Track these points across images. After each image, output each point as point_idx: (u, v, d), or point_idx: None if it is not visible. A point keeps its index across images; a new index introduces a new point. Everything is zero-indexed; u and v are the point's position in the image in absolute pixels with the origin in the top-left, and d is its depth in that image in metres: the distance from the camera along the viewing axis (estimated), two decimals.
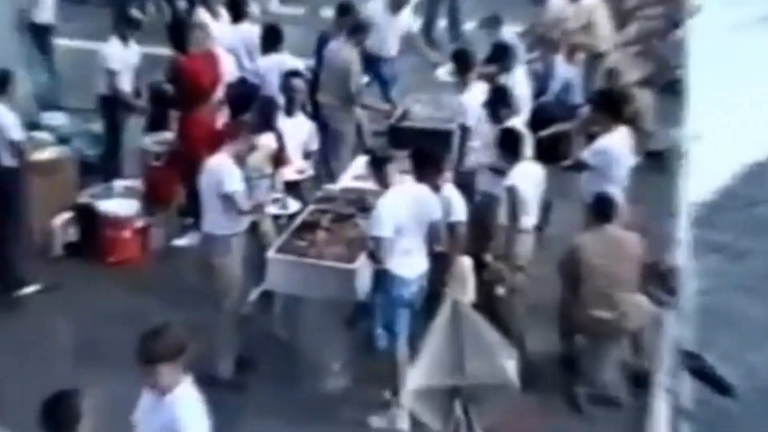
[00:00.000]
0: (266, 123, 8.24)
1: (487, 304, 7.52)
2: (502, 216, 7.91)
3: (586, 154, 8.53)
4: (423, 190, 7.21)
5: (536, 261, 8.07)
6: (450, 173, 7.73)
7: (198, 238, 8.00)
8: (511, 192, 7.85)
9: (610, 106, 8.32)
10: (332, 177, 9.51)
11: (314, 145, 9.07)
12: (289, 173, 8.58)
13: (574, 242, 7.72)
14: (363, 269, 7.61)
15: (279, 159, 8.48)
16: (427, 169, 7.32)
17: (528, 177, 7.94)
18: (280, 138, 8.46)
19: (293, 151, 8.83)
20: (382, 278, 7.15)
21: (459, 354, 6.66)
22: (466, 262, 7.57)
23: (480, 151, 8.61)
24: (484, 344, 6.72)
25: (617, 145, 8.28)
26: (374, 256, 7.10)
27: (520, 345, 7.38)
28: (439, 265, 7.29)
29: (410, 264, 7.16)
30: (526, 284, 8.00)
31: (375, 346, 7.21)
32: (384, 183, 7.22)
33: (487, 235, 8.05)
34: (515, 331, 7.65)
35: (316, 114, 9.83)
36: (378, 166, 7.38)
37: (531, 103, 9.88)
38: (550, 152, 8.81)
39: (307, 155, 9.02)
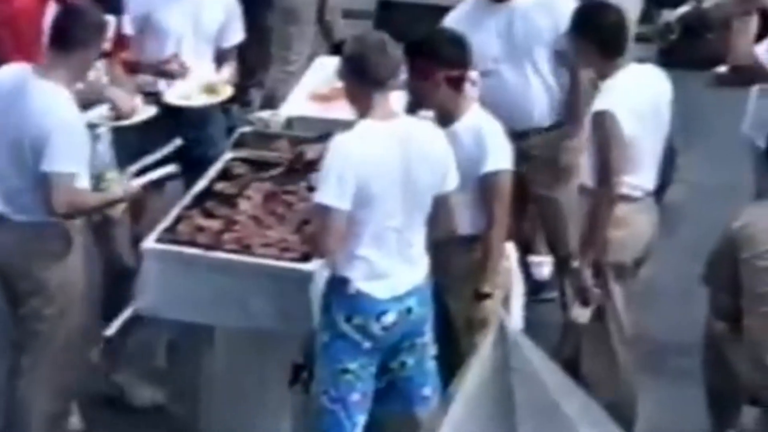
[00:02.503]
0: None
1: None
2: (583, 171, 5.19)
3: (762, 49, 5.59)
4: (423, 128, 4.67)
5: (654, 256, 5.37)
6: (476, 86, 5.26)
7: None
8: (602, 121, 4.96)
9: None
10: (270, 98, 6.86)
11: (235, 36, 6.09)
12: (173, 91, 5.77)
13: (738, 223, 4.99)
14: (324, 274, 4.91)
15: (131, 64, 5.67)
16: (429, 76, 4.82)
17: (636, 93, 5.06)
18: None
19: (189, 46, 5.88)
20: (332, 297, 4.61)
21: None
22: (512, 254, 5.05)
23: None
24: (556, 414, 4.22)
25: None
26: (313, 248, 4.77)
27: (627, 416, 5.01)
28: (458, 261, 4.90)
29: (387, 271, 4.57)
30: (632, 302, 5.24)
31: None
32: (362, 107, 4.60)
33: (551, 207, 5.68)
34: (617, 390, 5.12)
35: None
36: (355, 73, 4.59)
37: None
38: (680, 47, 6.57)
39: (221, 55, 5.98)
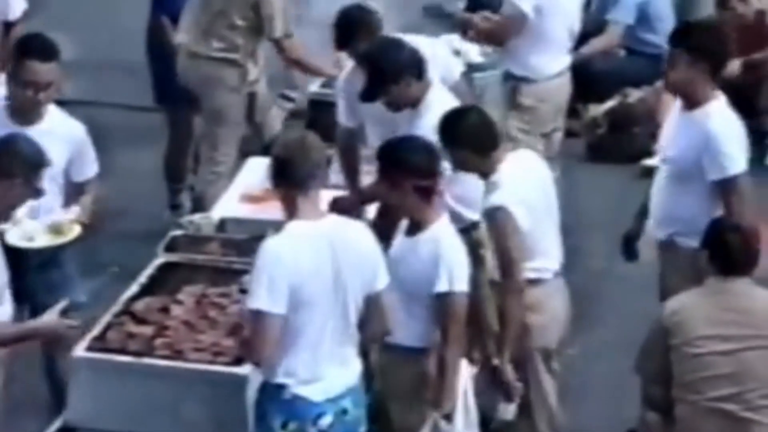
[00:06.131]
0: None
1: None
2: (490, 266, 5.20)
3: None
4: (351, 228, 4.59)
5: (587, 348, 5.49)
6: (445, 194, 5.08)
7: None
8: (496, 217, 4.97)
9: (694, 51, 5.39)
10: (200, 200, 6.63)
11: (88, 169, 5.56)
12: (16, 231, 5.23)
13: (669, 310, 4.93)
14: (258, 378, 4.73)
15: None
16: (397, 185, 4.71)
17: (523, 182, 5.06)
18: None
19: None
20: (267, 404, 4.49)
21: None
22: (463, 371, 4.84)
23: None
24: None
25: (720, 126, 5.39)
26: (247, 354, 4.57)
27: None
28: (405, 371, 4.79)
29: (322, 374, 4.47)
30: (566, 395, 5.18)
31: None
32: (289, 208, 4.51)
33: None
34: None
35: (164, 77, 6.95)
36: (278, 176, 4.51)
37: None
38: (607, 141, 6.82)
39: (74, 190, 5.51)
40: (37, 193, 4.83)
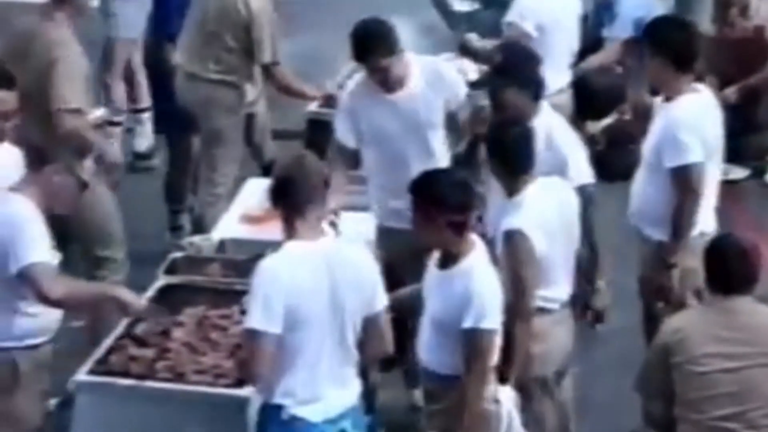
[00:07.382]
0: None
1: None
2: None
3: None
4: (350, 249, 4.56)
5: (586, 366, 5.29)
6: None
7: None
8: (514, 240, 4.89)
9: (655, 44, 5.47)
10: (200, 221, 6.47)
11: None
12: None
13: (670, 328, 4.84)
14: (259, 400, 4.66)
15: None
16: (432, 220, 4.64)
17: (545, 207, 4.98)
18: None
19: None
20: (266, 425, 4.48)
21: None
22: (504, 398, 4.76)
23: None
24: None
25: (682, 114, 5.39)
26: (244, 374, 4.58)
27: None
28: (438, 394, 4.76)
29: (320, 394, 4.43)
30: (556, 417, 5.06)
31: None
32: (288, 229, 4.49)
33: None
34: None
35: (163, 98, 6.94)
36: (278, 197, 4.49)
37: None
38: (606, 158, 6.34)
39: None
40: (83, 185, 4.84)
